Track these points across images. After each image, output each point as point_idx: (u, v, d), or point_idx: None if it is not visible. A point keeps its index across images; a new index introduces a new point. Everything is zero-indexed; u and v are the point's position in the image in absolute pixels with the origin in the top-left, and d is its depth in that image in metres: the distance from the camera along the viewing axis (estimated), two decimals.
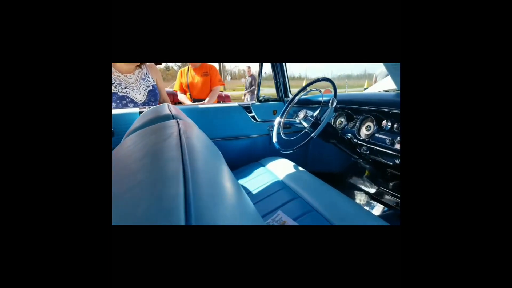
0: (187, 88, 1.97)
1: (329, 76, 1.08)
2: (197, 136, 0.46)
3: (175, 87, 2.04)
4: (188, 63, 1.99)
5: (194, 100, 1.98)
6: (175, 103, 1.64)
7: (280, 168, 1.13)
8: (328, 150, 1.50)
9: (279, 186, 1.00)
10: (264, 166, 1.22)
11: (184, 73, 1.96)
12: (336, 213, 0.75)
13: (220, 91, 2.45)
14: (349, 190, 1.53)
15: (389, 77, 1.10)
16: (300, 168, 1.12)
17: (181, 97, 1.99)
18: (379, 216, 1.25)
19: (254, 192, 1.00)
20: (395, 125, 0.97)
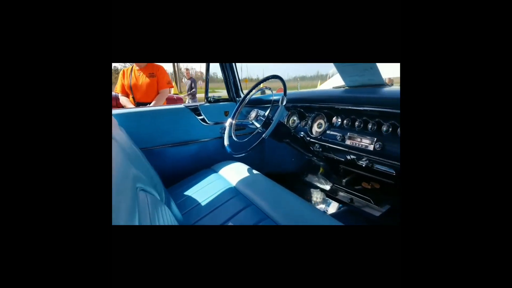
0: (129, 90, 1.74)
1: (285, 78, 1.06)
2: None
3: (117, 89, 1.80)
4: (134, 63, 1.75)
5: (138, 104, 1.74)
6: (119, 108, 1.49)
7: (234, 174, 1.06)
8: (283, 150, 1.45)
9: (232, 193, 0.93)
10: (216, 172, 1.14)
11: (127, 74, 1.72)
12: (290, 218, 0.72)
13: (175, 93, 2.19)
14: (305, 189, 1.51)
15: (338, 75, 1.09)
16: (255, 172, 1.07)
17: (123, 100, 1.75)
18: (334, 213, 1.23)
19: (204, 203, 0.92)
20: (344, 121, 0.97)
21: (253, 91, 1.17)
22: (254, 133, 1.05)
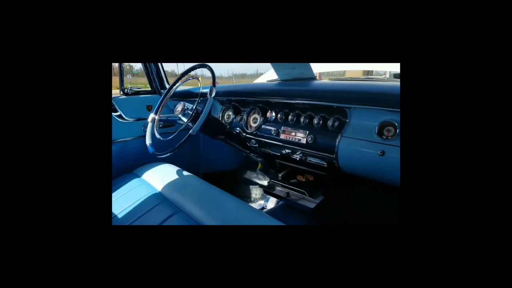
0: None
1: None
2: None
3: None
4: None
5: None
6: None
7: (159, 177, 0.93)
8: (221, 148, 1.34)
9: (158, 200, 0.81)
10: (139, 177, 0.99)
11: None
12: (224, 222, 0.66)
13: None
14: (244, 187, 1.46)
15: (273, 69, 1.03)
16: (185, 173, 0.96)
17: None
18: (272, 209, 1.21)
19: (124, 213, 0.79)
20: (278, 115, 0.96)
21: (179, 81, 1.02)
22: (181, 128, 0.91)
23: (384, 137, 0.70)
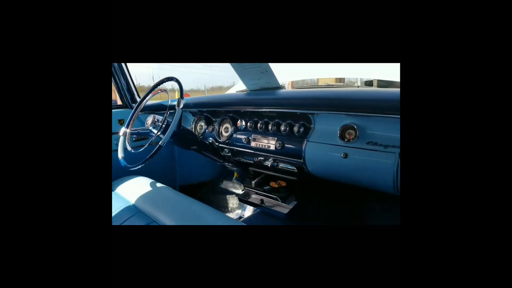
0: None
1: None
2: None
3: None
4: None
5: None
6: None
7: (134, 190, 0.93)
8: (196, 159, 1.36)
9: (131, 212, 0.80)
10: (113, 191, 0.99)
11: None
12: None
13: None
14: (221, 196, 1.48)
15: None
16: (159, 185, 0.96)
17: None
18: (249, 217, 1.20)
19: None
20: (248, 124, 0.99)
21: (150, 95, 1.05)
22: (151, 140, 0.93)
23: (346, 140, 0.74)
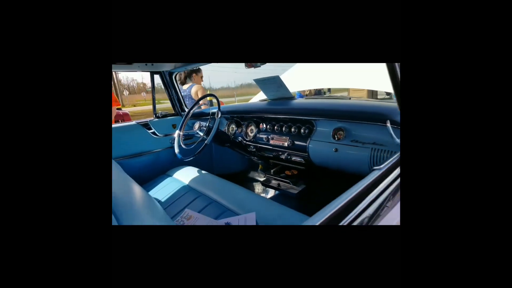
0: None
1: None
2: None
3: None
4: None
5: None
6: None
7: (186, 175, 1.26)
8: (228, 154, 1.75)
9: (185, 190, 1.14)
10: (171, 176, 1.33)
11: None
12: (232, 201, 0.95)
13: (118, 109, 2.44)
14: (249, 183, 1.86)
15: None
16: (204, 172, 1.28)
17: None
18: (271, 197, 1.55)
19: (163, 200, 1.12)
20: (268, 126, 1.31)
21: (195, 107, 1.49)
22: (199, 140, 1.36)
23: (337, 138, 1.00)
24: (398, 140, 0.66)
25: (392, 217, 0.47)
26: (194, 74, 2.17)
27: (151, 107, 1.77)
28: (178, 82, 2.07)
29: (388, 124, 0.69)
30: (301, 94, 3.32)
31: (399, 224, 0.39)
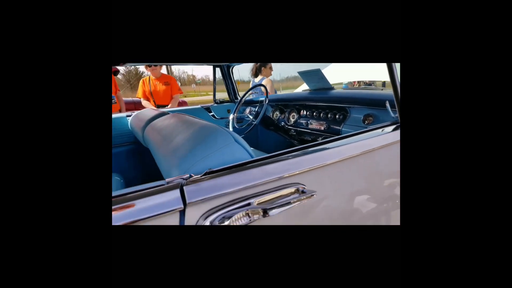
0: (150, 96, 2.26)
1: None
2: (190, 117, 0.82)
3: (139, 94, 2.31)
4: (150, 73, 2.28)
5: (158, 106, 2.24)
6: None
7: None
8: (271, 137, 1.96)
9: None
10: None
11: (146, 82, 2.27)
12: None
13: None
14: None
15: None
16: (252, 149, 1.49)
17: (145, 103, 2.28)
18: None
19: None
20: (308, 113, 1.49)
21: (246, 95, 1.80)
22: (248, 123, 1.72)
23: (366, 123, 1.13)
24: (392, 115, 0.84)
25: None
26: (262, 68, 2.33)
27: (199, 98, 2.23)
28: (251, 75, 2.43)
29: (387, 104, 0.86)
30: (348, 86, 3.41)
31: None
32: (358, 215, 0.57)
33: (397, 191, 0.70)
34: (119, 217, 0.34)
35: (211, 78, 1.97)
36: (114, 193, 0.37)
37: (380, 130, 0.72)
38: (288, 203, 0.42)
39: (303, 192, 0.44)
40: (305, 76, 1.55)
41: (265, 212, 0.41)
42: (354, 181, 0.57)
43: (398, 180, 0.67)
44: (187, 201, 0.37)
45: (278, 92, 2.55)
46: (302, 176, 0.47)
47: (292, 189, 0.43)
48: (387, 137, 0.68)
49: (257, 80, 2.36)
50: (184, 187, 0.38)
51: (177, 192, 0.37)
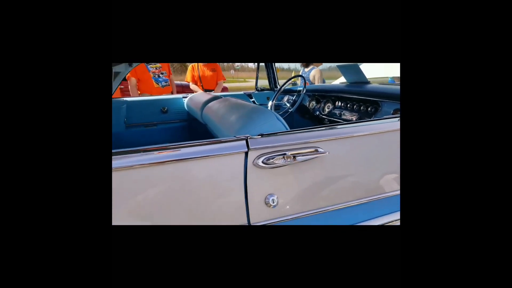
0: (198, 80, 2.52)
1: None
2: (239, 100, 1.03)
3: (188, 78, 2.57)
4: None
5: (205, 90, 2.48)
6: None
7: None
8: (305, 125, 2.12)
9: None
10: None
11: (195, 68, 2.52)
12: None
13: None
14: None
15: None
16: None
17: (194, 87, 2.54)
18: None
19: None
20: (342, 104, 1.56)
21: (285, 84, 1.90)
22: (285, 110, 1.84)
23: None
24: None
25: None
26: None
27: (238, 84, 2.30)
28: (302, 65, 2.57)
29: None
30: (393, 80, 3.50)
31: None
32: (361, 176, 0.74)
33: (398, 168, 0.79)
34: (208, 150, 0.56)
35: (249, 64, 2.26)
36: (199, 141, 0.57)
37: (396, 118, 0.84)
38: (308, 154, 0.65)
39: (317, 151, 0.66)
40: (344, 69, 1.63)
41: (294, 157, 0.63)
42: (362, 152, 0.77)
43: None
44: (250, 147, 0.60)
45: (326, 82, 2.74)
46: (322, 144, 0.69)
47: (312, 149, 0.66)
48: (397, 124, 0.81)
49: (307, 70, 2.52)
50: (248, 139, 0.60)
51: (244, 142, 0.60)
